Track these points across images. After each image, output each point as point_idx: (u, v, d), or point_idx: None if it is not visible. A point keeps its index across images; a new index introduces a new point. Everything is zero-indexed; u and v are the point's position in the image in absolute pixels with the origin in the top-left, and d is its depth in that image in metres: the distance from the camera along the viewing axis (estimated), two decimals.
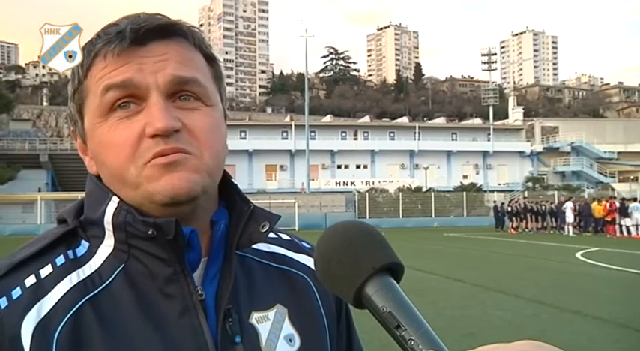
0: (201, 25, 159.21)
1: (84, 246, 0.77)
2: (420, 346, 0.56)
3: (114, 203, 0.75)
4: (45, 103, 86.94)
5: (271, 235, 0.90)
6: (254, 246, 0.84)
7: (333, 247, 0.63)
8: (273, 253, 0.89)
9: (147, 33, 0.74)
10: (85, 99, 0.76)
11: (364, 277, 0.59)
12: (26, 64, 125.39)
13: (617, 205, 27.70)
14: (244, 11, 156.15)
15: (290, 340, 0.81)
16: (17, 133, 58.95)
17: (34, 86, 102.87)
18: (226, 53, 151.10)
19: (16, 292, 0.69)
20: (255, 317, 0.80)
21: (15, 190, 41.97)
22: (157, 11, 0.79)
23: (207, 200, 0.78)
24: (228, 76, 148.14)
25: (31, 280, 0.71)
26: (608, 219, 28.16)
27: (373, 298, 0.59)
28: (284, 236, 0.93)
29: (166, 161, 0.72)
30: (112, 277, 0.74)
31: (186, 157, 0.73)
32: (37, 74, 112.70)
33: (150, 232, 0.73)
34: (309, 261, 0.90)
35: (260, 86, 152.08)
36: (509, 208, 33.53)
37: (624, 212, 27.08)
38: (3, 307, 0.68)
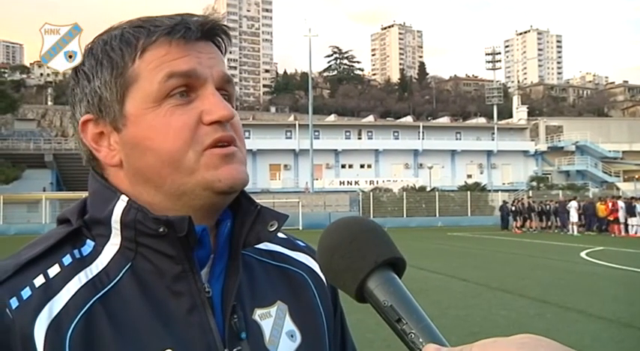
0: None
1: (89, 245, 0.77)
2: (421, 340, 0.56)
3: (123, 202, 0.76)
4: (49, 103, 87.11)
5: None
6: None
7: (336, 242, 0.63)
8: (272, 251, 0.91)
9: (210, 30, 0.79)
10: (132, 83, 0.77)
11: (366, 271, 0.60)
12: (31, 63, 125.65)
13: (622, 204, 27.59)
14: (248, 11, 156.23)
15: (292, 336, 0.83)
16: (22, 132, 59.12)
17: (38, 86, 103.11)
18: (230, 53, 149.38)
19: (26, 293, 0.70)
20: (258, 314, 0.81)
21: (20, 189, 42.10)
22: (162, 11, 0.81)
23: None
24: (232, 76, 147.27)
25: (40, 280, 0.71)
26: (611, 218, 28.08)
27: (375, 293, 0.59)
28: (280, 235, 0.93)
29: (225, 152, 0.76)
30: (120, 276, 0.75)
31: (237, 150, 0.78)
32: (41, 74, 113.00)
33: (161, 230, 0.73)
34: (305, 259, 0.92)
35: (264, 85, 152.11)
36: (514, 208, 33.49)
37: (631, 211, 26.98)
38: (14, 307, 0.68)
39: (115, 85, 0.77)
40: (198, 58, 0.77)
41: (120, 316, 0.72)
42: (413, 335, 0.57)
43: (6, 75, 65.82)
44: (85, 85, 0.80)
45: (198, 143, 0.75)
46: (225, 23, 0.82)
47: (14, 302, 0.69)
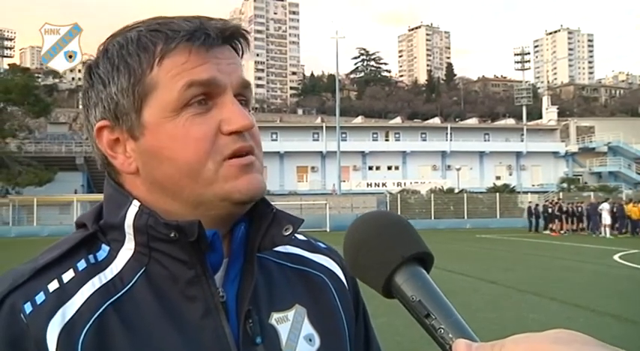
0: None
1: (104, 250, 0.77)
2: (450, 335, 0.56)
3: (135, 207, 0.76)
4: (81, 107, 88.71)
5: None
6: None
7: (363, 237, 0.63)
8: (290, 254, 0.89)
9: (230, 35, 0.78)
10: (150, 92, 0.75)
11: (393, 266, 0.59)
12: None
13: None
14: (275, 13, 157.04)
15: (310, 340, 0.81)
16: (54, 136, 60.27)
17: (70, 90, 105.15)
18: (257, 55, 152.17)
19: (40, 297, 0.70)
20: (274, 318, 0.80)
21: (52, 191, 42.90)
22: (192, 12, 0.80)
23: None
24: (260, 78, 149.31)
25: (54, 285, 0.72)
26: None
27: (402, 288, 0.59)
28: (300, 237, 0.93)
29: (244, 163, 0.75)
30: (134, 281, 0.75)
31: (255, 159, 0.77)
32: (73, 78, 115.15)
33: (172, 235, 0.73)
34: (325, 261, 0.91)
35: (291, 88, 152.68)
36: (549, 209, 32.87)
37: None
38: (28, 312, 0.69)
39: (132, 93, 0.76)
40: (217, 66, 0.75)
41: (133, 320, 0.72)
42: (442, 330, 0.56)
43: (39, 80, 67.03)
44: (100, 89, 0.78)
45: (218, 154, 0.74)
46: (244, 27, 0.81)
47: (28, 307, 0.69)
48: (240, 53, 0.81)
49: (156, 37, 0.75)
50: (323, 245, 0.95)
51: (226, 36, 0.77)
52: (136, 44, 0.76)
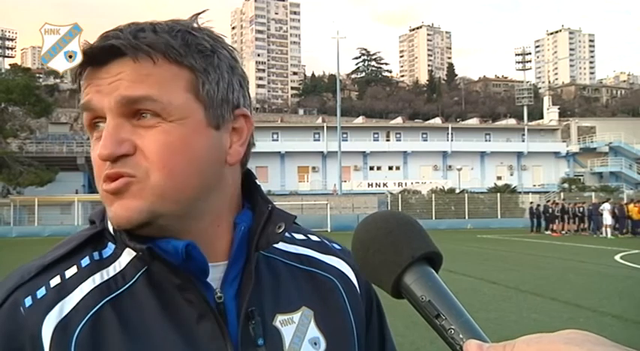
0: (233, 28, 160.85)
1: (110, 248, 0.78)
2: (461, 336, 0.55)
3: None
4: None
5: (300, 236, 0.91)
6: (280, 247, 0.85)
7: (372, 236, 0.62)
8: (300, 255, 0.88)
9: (100, 54, 0.72)
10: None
11: (403, 266, 0.59)
12: None
13: None
14: (276, 13, 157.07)
15: (315, 344, 0.80)
16: (55, 136, 60.25)
17: (71, 90, 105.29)
18: (258, 55, 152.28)
19: (41, 292, 0.71)
20: (279, 320, 0.79)
21: (53, 191, 42.88)
22: (191, 13, 0.77)
23: (196, 213, 0.76)
24: (261, 78, 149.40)
25: (55, 281, 0.72)
26: None
27: (412, 288, 0.58)
28: (313, 238, 0.92)
29: (110, 188, 0.71)
30: (135, 279, 0.75)
31: (128, 183, 0.71)
32: None
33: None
34: (337, 262, 0.89)
35: (292, 88, 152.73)
36: (549, 209, 32.84)
37: None
38: (27, 306, 0.70)
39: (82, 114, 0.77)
40: (97, 87, 0.72)
41: (131, 318, 0.72)
42: (452, 331, 0.55)
43: (41, 80, 67.10)
44: None
45: (101, 179, 0.73)
46: (149, 25, 0.73)
47: (28, 301, 0.70)
48: (164, 56, 0.72)
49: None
50: (338, 246, 0.93)
51: (94, 57, 0.72)
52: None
